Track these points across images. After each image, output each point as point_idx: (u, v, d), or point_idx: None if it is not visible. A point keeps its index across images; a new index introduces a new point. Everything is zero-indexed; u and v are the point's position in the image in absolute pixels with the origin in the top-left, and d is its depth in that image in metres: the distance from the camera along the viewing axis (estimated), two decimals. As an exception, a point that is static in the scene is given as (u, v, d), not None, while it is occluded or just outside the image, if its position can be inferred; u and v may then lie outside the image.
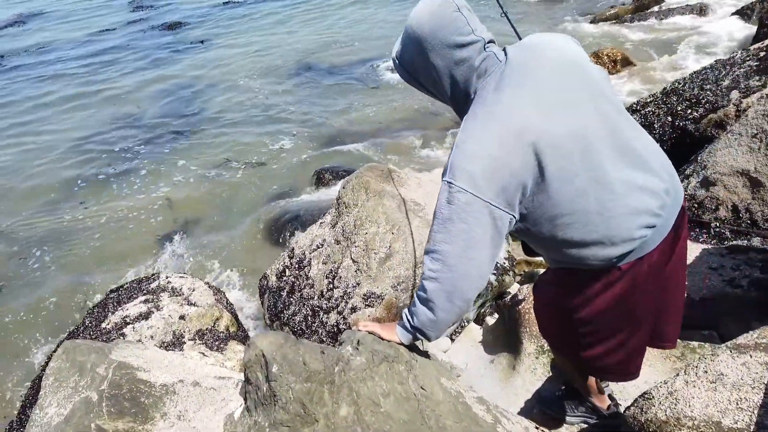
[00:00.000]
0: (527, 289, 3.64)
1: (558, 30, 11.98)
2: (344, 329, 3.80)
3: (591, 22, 12.29)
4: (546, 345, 3.35)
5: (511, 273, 4.25)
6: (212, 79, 11.55)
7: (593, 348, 1.85)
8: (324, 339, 3.87)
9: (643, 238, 1.58)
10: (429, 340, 1.74)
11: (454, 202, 1.53)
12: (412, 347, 1.88)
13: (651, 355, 2.81)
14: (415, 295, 1.70)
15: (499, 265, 4.19)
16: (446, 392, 1.81)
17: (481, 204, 1.51)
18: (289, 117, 9.34)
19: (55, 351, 3.87)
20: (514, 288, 4.29)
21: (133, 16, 18.21)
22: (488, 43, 1.63)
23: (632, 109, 6.09)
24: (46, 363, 3.83)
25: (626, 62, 9.57)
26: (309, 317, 3.99)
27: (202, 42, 14.34)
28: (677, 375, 1.77)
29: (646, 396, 1.80)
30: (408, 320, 1.73)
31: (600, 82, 1.65)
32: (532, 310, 3.51)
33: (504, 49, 1.66)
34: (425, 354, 1.95)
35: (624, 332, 1.79)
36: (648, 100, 6.09)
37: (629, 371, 1.92)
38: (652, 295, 1.72)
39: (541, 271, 4.66)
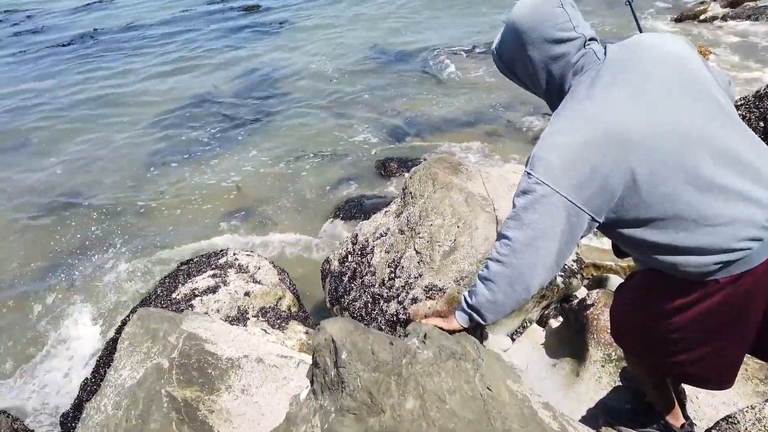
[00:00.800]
0: (596, 295, 3.50)
1: (645, 27, 11.41)
2: (403, 319, 3.79)
3: (676, 21, 11.63)
4: (614, 354, 3.22)
5: (579, 276, 4.10)
6: (286, 62, 11.77)
7: (683, 354, 1.74)
8: (383, 327, 3.88)
9: (746, 251, 1.47)
10: (485, 322, 1.72)
11: (529, 191, 1.54)
12: (480, 346, 1.84)
13: (730, 375, 2.63)
14: (477, 275, 1.71)
15: (566, 267, 4.05)
16: (513, 395, 1.77)
17: (556, 197, 1.50)
18: (358, 104, 9.39)
19: (129, 317, 4.09)
20: (581, 292, 4.14)
21: (214, -3, 18.79)
22: (589, 40, 1.60)
23: (721, 112, 5.72)
24: (121, 327, 4.05)
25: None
26: (369, 304, 4.01)
27: (280, 24, 14.62)
28: (767, 401, 1.64)
29: (730, 420, 1.68)
30: (466, 299, 1.74)
31: (709, 83, 1.57)
32: (600, 316, 3.38)
33: (605, 48, 1.62)
34: (493, 354, 1.91)
35: (720, 341, 1.67)
36: (738, 103, 5.70)
37: (723, 380, 1.79)
38: (758, 311, 1.60)
39: (611, 276, 4.49)
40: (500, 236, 1.65)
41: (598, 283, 4.48)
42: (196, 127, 9.11)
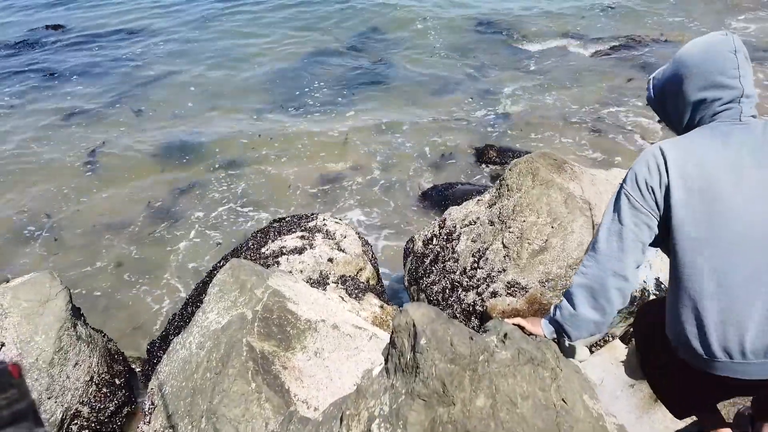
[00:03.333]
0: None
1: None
2: (480, 311, 3.75)
3: None
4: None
5: (674, 298, 3.85)
6: (399, 23, 11.79)
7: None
8: (457, 315, 3.85)
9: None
10: (570, 338, 1.79)
11: (617, 201, 1.67)
12: (560, 356, 1.78)
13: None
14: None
15: (663, 286, 3.81)
16: (588, 411, 1.70)
17: (629, 201, 1.63)
18: (464, 82, 9.24)
19: (221, 263, 4.34)
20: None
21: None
22: (745, 96, 1.56)
23: None
24: (212, 271, 4.30)
25: None
26: (447, 290, 3.99)
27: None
28: None
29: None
30: (552, 312, 1.83)
31: None
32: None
33: (754, 116, 1.59)
34: (573, 366, 1.84)
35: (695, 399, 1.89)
36: None
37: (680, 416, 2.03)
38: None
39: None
40: (588, 249, 1.73)
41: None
42: (306, 81, 9.41)
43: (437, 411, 1.43)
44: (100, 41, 12.03)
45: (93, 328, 3.82)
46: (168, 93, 9.38)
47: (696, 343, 1.57)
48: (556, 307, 1.81)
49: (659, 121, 7.10)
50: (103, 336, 3.93)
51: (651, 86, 1.78)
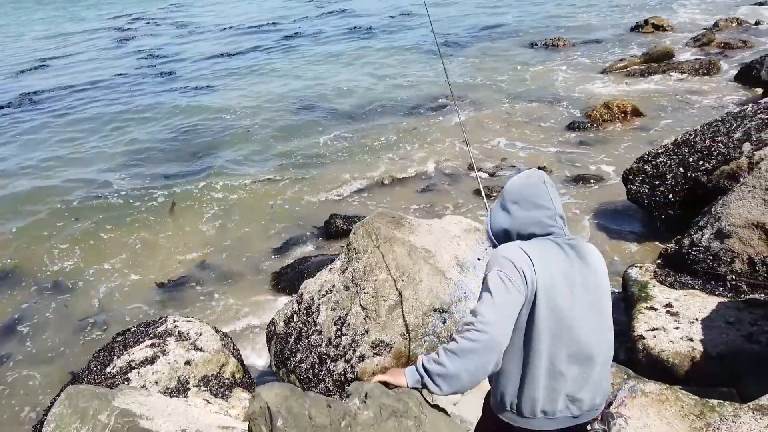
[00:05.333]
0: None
1: (569, 79, 12.20)
2: (351, 378, 3.72)
3: (602, 72, 12.51)
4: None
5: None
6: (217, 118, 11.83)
7: None
8: (330, 388, 3.78)
9: None
10: (438, 391, 1.83)
11: (494, 280, 1.88)
12: (422, 402, 1.82)
13: (669, 413, 2.71)
14: (441, 346, 1.89)
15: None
16: (456, 450, 1.75)
17: (507, 280, 1.87)
18: (295, 159, 9.46)
19: (58, 396, 3.82)
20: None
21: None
22: (558, 216, 2.00)
23: (644, 160, 6.10)
24: (49, 408, 3.77)
25: (636, 113, 9.67)
26: (316, 365, 3.92)
27: (202, 89, 14.73)
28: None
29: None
30: (419, 365, 1.88)
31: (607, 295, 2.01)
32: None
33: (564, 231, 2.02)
34: (437, 409, 1.89)
35: None
36: (659, 151, 6.10)
37: None
38: None
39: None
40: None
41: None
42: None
43: (307, 492, 1.38)
44: None
45: None
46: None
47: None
48: (429, 359, 1.87)
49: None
50: None
51: (487, 220, 2.15)
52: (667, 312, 3.95)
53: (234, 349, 4.28)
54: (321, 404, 1.48)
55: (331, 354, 3.86)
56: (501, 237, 2.06)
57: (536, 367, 1.87)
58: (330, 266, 4.44)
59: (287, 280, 5.98)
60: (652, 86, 11.23)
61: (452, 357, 1.81)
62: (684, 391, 2.84)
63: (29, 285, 6.57)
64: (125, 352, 3.90)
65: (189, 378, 3.75)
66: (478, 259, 4.17)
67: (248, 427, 1.52)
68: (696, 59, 12.26)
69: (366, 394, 1.71)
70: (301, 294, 4.39)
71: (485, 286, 1.86)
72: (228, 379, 3.92)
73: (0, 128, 12.66)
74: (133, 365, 3.74)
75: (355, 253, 4.14)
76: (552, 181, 2.05)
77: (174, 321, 4.20)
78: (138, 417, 2.52)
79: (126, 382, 3.59)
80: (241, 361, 4.21)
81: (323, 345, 3.94)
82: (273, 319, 4.50)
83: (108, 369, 3.79)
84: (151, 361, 3.74)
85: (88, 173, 9.68)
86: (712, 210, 4.60)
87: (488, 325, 1.78)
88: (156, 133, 11.46)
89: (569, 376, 1.89)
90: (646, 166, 6.04)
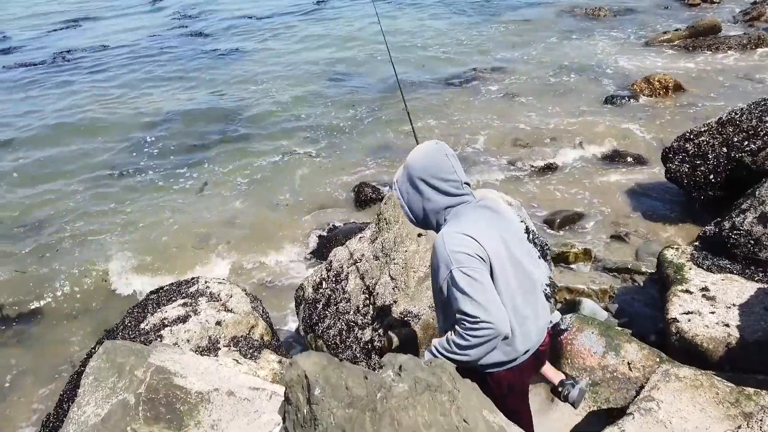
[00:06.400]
0: (569, 319, 3.52)
1: (609, 51, 11.80)
2: (378, 347, 3.75)
3: (644, 45, 12.06)
4: (588, 378, 3.23)
5: (552, 300, 4.12)
6: (247, 90, 11.79)
7: None
8: (358, 355, 3.82)
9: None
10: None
11: (466, 276, 2.02)
12: (456, 376, 1.82)
13: (703, 399, 2.66)
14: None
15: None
16: (489, 426, 1.74)
17: (474, 269, 2.03)
18: (333, 129, 9.40)
19: (95, 348, 3.95)
20: (555, 316, 4.16)
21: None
22: (464, 183, 2.17)
23: (685, 138, 5.89)
24: (86, 360, 3.90)
25: (678, 88, 9.32)
26: (344, 332, 3.95)
27: (235, 50, 14.64)
28: (739, 428, 1.65)
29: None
30: (437, 349, 2.09)
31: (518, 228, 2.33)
32: (573, 341, 3.40)
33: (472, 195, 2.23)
34: (469, 384, 1.88)
35: None
36: (702, 130, 5.88)
37: None
38: None
39: (584, 300, 4.53)
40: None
41: (571, 307, 4.51)
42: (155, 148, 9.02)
43: (342, 460, 1.39)
44: None
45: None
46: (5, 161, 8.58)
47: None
48: (439, 350, 2.05)
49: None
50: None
51: (395, 191, 2.28)
52: (703, 296, 3.85)
53: (263, 312, 4.34)
54: (358, 375, 1.48)
55: (359, 322, 3.89)
56: (420, 218, 2.24)
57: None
58: (360, 235, 4.44)
59: (316, 247, 6.02)
60: (697, 61, 10.78)
61: (467, 350, 1.98)
62: (719, 378, 2.78)
63: (62, 242, 6.73)
64: (158, 310, 3.99)
65: (219, 338, 3.82)
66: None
67: (285, 393, 1.54)
68: (744, 34, 11.71)
69: (400, 367, 1.71)
70: (330, 261, 4.41)
71: (457, 287, 1.98)
72: (257, 340, 3.99)
73: (35, 85, 12.85)
74: (166, 323, 3.81)
75: (386, 224, 4.12)
76: (452, 150, 2.22)
77: (206, 282, 4.26)
78: (173, 374, 2.57)
79: (159, 339, 3.68)
80: (270, 324, 4.27)
81: (351, 313, 3.97)
82: (302, 284, 4.54)
83: (142, 325, 3.88)
84: (183, 320, 3.81)
85: (119, 135, 9.77)
86: (756, 193, 4.43)
87: (485, 322, 1.93)
88: (185, 97, 11.49)
89: (529, 312, 2.16)
90: (687, 145, 5.84)
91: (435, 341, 2.13)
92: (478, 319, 1.93)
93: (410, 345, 3.60)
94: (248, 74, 12.54)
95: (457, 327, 2.01)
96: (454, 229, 2.08)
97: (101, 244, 6.58)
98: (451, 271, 1.98)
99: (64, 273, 6.09)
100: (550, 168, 7.36)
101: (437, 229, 2.21)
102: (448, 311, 2.12)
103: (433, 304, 3.67)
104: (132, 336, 3.76)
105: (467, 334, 1.96)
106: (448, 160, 2.15)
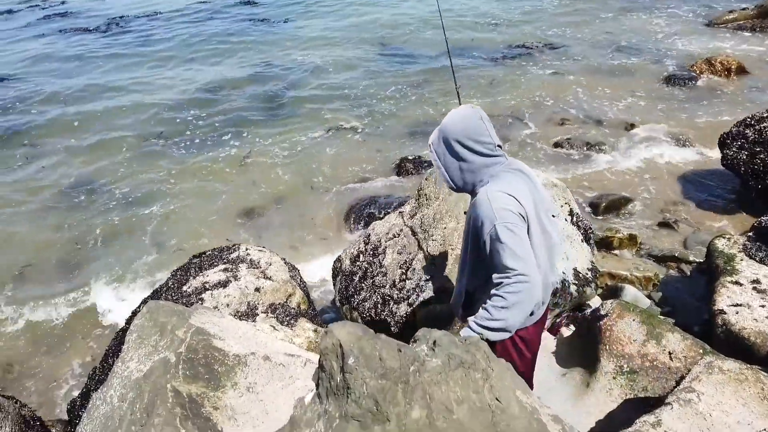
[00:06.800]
0: (610, 305, 3.43)
1: (669, 30, 11.26)
2: (413, 321, 3.76)
3: (707, 25, 11.45)
4: (626, 366, 3.16)
5: (593, 285, 4.04)
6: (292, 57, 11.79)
7: None
8: (392, 329, 3.84)
9: None
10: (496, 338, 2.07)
11: (508, 231, 2.12)
12: (490, 355, 1.80)
13: (747, 394, 2.56)
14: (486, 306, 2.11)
15: (581, 275, 3.99)
16: (522, 407, 1.72)
17: (516, 226, 2.14)
18: (376, 99, 9.34)
19: (140, 307, 4.10)
20: (595, 301, 4.08)
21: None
22: (497, 146, 2.24)
23: (745, 124, 5.60)
24: (131, 318, 4.06)
25: (741, 71, 8.84)
26: (379, 305, 3.98)
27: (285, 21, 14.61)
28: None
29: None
30: (477, 324, 2.08)
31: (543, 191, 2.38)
32: (613, 327, 3.32)
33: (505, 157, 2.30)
34: (503, 363, 1.86)
35: None
36: (764, 116, 5.57)
37: None
38: None
39: (626, 286, 4.41)
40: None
41: (612, 293, 4.40)
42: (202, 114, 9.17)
43: (373, 430, 1.40)
44: None
45: (2, 395, 3.49)
46: (58, 128, 8.90)
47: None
48: (479, 322, 2.05)
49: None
50: (15, 402, 3.59)
51: (432, 150, 2.33)
52: (754, 288, 3.69)
53: (301, 281, 4.41)
54: (392, 347, 1.48)
55: (395, 296, 3.90)
56: (457, 179, 2.30)
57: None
58: (399, 210, 4.42)
59: (354, 219, 6.04)
60: (763, 43, 10.17)
61: (506, 311, 2.01)
62: (766, 373, 2.67)
63: (113, 199, 6.96)
64: (200, 274, 4.09)
65: (258, 304, 3.90)
66: (553, 216, 4.02)
67: (319, 361, 1.55)
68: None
69: (434, 342, 1.70)
70: (368, 235, 4.42)
71: (499, 240, 2.04)
72: (294, 308, 4.06)
73: (87, 50, 13.20)
74: (207, 287, 3.92)
75: (426, 200, 4.09)
76: (486, 114, 2.27)
77: (246, 249, 4.35)
78: (212, 336, 2.65)
79: (200, 302, 3.78)
80: (307, 293, 4.34)
81: (387, 287, 3.98)
82: (339, 256, 4.58)
83: (184, 288, 4.00)
84: (224, 284, 3.91)
85: (167, 101, 9.95)
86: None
87: (523, 275, 1.99)
88: (232, 64, 11.60)
89: (548, 268, 2.32)
90: (747, 131, 5.55)
91: (470, 319, 2.15)
92: (517, 272, 1.99)
93: (444, 322, 3.60)
94: (295, 44, 12.55)
95: (494, 291, 2.05)
96: (496, 188, 2.15)
97: (148, 208, 6.78)
98: (495, 226, 2.05)
99: (110, 239, 6.33)
100: (598, 149, 7.13)
101: (472, 191, 2.28)
102: (478, 267, 2.24)
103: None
104: (174, 297, 3.88)
105: (506, 292, 2.00)
106: (483, 123, 2.21)
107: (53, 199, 7.10)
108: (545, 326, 2.70)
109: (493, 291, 2.05)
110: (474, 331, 2.06)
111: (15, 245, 6.23)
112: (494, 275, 2.06)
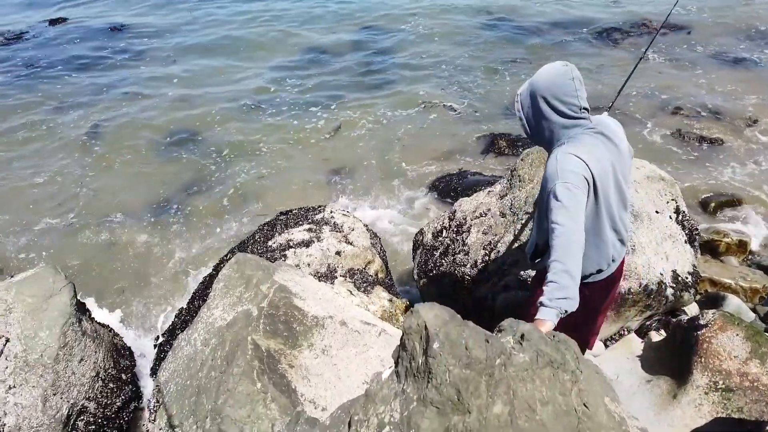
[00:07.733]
0: (712, 315, 3.16)
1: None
2: (492, 305, 3.65)
3: None
4: (722, 382, 2.91)
5: (692, 291, 3.73)
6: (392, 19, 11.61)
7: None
8: (468, 309, 3.76)
9: None
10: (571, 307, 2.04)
11: (568, 194, 2.17)
12: (580, 357, 1.68)
13: None
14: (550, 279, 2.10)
15: (680, 278, 3.69)
16: (610, 416, 1.61)
17: (577, 189, 2.18)
18: (471, 71, 9.06)
19: (228, 256, 4.27)
20: (691, 308, 3.78)
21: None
22: (583, 109, 2.23)
23: None
24: (218, 265, 4.23)
25: None
26: (457, 283, 3.89)
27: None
28: None
29: None
30: (548, 300, 2.03)
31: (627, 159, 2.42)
32: (713, 340, 3.06)
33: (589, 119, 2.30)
34: (592, 366, 1.74)
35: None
36: None
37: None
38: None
39: (729, 296, 4.05)
40: None
41: (712, 301, 4.06)
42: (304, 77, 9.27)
43: (451, 419, 1.35)
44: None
45: (98, 323, 3.77)
46: (160, 84, 9.33)
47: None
48: (550, 301, 2.00)
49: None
50: (110, 331, 3.87)
51: (517, 102, 2.35)
52: None
53: (380, 249, 4.40)
54: (479, 336, 1.40)
55: (475, 277, 3.80)
56: (535, 130, 2.32)
57: (604, 232, 2.32)
58: (489, 189, 4.28)
59: (441, 192, 5.94)
60: None
61: (564, 274, 2.02)
62: None
63: (210, 155, 7.26)
64: (285, 231, 4.18)
65: (337, 267, 3.94)
66: (656, 212, 3.73)
67: (401, 339, 1.51)
68: None
69: (522, 336, 1.60)
70: (454, 211, 4.32)
71: (556, 198, 2.10)
72: (372, 276, 4.07)
73: (186, 21, 13.66)
74: (291, 245, 4.00)
75: (519, 181, 3.91)
76: (579, 73, 2.22)
77: (331, 212, 4.39)
78: (293, 295, 2.69)
79: (283, 258, 3.88)
80: (385, 262, 4.33)
81: (468, 266, 3.89)
82: (422, 229, 4.51)
83: (269, 243, 4.11)
84: (307, 244, 3.97)
85: (262, 66, 10.09)
86: None
87: (568, 229, 2.05)
88: (327, 30, 11.58)
89: (621, 228, 2.40)
90: None
91: (541, 299, 2.08)
92: (563, 227, 2.07)
93: (524, 309, 3.47)
94: (396, 12, 12.36)
95: (549, 259, 2.09)
96: (568, 150, 2.19)
97: (238, 172, 7.01)
98: (555, 184, 2.12)
99: (207, 192, 6.63)
100: (715, 143, 6.54)
101: (549, 146, 2.31)
102: (544, 222, 2.26)
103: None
104: (260, 251, 4.00)
105: (553, 249, 2.07)
106: (573, 83, 2.19)
107: (157, 145, 7.54)
108: (617, 285, 2.68)
109: (548, 260, 2.11)
110: (550, 307, 2.00)
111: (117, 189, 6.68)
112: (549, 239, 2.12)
